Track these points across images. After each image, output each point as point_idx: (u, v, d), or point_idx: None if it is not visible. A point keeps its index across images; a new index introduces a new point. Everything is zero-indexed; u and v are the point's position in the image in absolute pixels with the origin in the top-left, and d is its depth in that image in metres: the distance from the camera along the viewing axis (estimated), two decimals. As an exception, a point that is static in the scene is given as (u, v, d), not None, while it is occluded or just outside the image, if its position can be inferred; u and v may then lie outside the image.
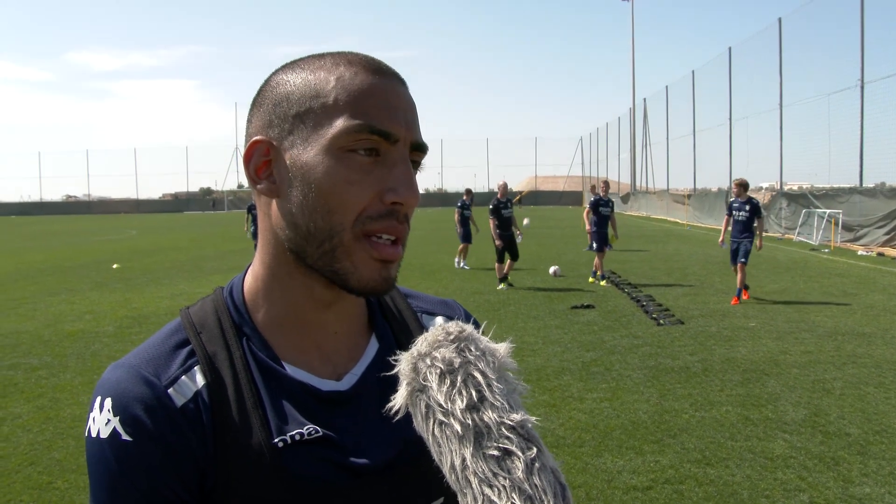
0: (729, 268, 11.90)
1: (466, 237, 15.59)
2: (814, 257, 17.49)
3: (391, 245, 0.83)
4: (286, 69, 0.88)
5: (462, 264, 15.89)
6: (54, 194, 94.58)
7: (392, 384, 0.93)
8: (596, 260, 13.18)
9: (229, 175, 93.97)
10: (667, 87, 44.24)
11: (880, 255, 17.39)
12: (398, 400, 0.69)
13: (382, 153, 0.83)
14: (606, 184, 14.32)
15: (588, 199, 14.14)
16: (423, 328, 1.00)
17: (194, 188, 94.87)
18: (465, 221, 15.57)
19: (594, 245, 13.28)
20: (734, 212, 11.15)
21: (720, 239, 12.20)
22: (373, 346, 0.95)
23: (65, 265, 18.48)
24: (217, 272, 15.73)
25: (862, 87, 20.70)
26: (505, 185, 13.13)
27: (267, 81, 0.89)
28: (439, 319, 1.05)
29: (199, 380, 0.85)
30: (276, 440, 0.83)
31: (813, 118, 28.54)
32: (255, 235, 12.75)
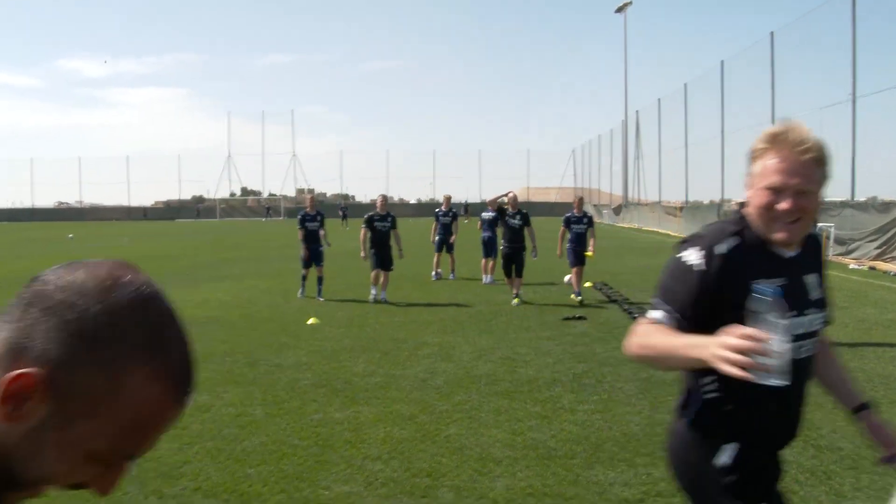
0: None
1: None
2: (805, 270, 17.52)
3: None
4: None
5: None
6: (47, 201, 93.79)
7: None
8: (572, 277, 12.46)
9: (221, 183, 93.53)
10: (659, 99, 44.53)
11: (872, 268, 17.47)
12: None
13: None
14: (581, 199, 13.36)
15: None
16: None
17: (186, 196, 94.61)
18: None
19: (569, 261, 12.45)
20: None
21: None
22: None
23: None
24: (211, 280, 15.66)
25: (854, 102, 20.87)
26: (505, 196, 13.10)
27: None
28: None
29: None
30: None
31: (805, 132, 28.70)
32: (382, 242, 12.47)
